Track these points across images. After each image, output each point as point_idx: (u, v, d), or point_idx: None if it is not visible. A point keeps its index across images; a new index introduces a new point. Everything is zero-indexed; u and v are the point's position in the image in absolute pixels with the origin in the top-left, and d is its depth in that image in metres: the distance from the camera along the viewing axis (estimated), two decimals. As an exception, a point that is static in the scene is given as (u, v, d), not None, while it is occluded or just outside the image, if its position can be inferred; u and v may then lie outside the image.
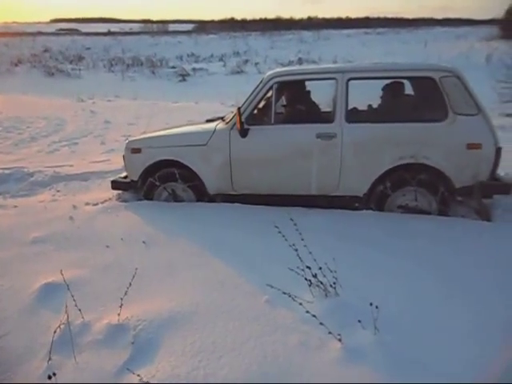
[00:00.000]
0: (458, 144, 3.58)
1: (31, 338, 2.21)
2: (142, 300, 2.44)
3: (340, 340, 1.96)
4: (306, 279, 2.30)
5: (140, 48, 33.73)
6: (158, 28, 56.66)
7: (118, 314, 2.22)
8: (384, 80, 4.07)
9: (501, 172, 4.02)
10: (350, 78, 3.73)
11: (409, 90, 4.19)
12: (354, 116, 3.82)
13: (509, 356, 1.92)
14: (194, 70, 24.55)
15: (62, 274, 2.40)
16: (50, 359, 2.02)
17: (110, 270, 2.82)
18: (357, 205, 3.88)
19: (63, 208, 4.17)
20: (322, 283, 2.30)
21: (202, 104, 13.46)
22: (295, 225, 2.49)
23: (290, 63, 25.12)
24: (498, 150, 3.58)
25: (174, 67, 25.45)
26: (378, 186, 3.78)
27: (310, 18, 71.38)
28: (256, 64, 26.11)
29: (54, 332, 2.11)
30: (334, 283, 2.29)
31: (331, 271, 2.30)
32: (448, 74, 3.63)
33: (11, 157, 6.91)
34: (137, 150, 4.19)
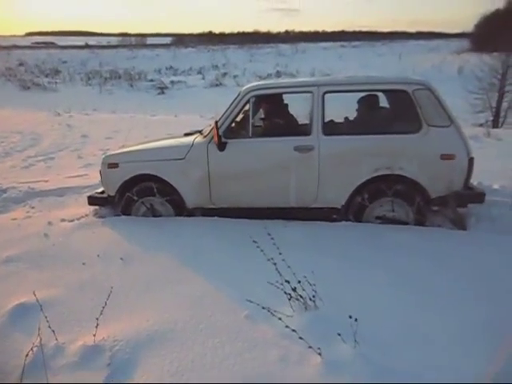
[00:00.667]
0: (432, 155, 3.66)
1: (2, 362, 2.13)
2: (119, 319, 2.38)
3: (320, 354, 1.95)
4: (285, 293, 2.29)
5: (118, 61, 33.62)
6: (136, 41, 56.61)
7: (94, 335, 2.16)
8: (359, 93, 4.14)
9: (474, 181, 4.13)
10: (326, 92, 3.79)
11: (383, 102, 4.27)
12: (330, 128, 3.87)
13: (491, 364, 1.94)
14: (172, 82, 24.59)
15: (35, 295, 2.33)
16: (21, 384, 1.95)
17: (86, 289, 2.75)
18: (335, 216, 3.90)
19: (38, 225, 4.06)
20: (301, 297, 2.29)
21: (181, 117, 13.43)
22: (272, 239, 2.49)
23: (269, 76, 25.43)
24: (471, 160, 3.67)
25: (152, 80, 25.44)
26: (356, 197, 3.82)
27: (287, 32, 72.62)
28: (235, 77, 26.36)
29: (26, 355, 2.03)
30: (314, 296, 2.28)
31: (310, 284, 2.30)
32: (421, 86, 3.72)
33: (-17, 173, 6.71)
34: (114, 165, 4.12)
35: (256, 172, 3.87)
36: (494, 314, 2.34)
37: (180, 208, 4.06)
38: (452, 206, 3.71)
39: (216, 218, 3.91)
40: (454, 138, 3.68)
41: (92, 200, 4.33)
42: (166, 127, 10.27)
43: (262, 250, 2.40)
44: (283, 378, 1.89)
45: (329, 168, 3.78)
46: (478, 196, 3.77)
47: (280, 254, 2.40)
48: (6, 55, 35.24)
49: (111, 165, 4.14)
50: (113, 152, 4.52)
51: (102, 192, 4.36)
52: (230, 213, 3.96)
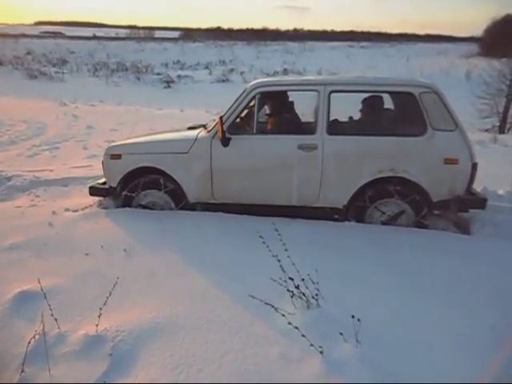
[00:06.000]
0: (436, 159, 3.65)
1: (4, 349, 2.14)
2: (121, 310, 2.38)
3: (321, 352, 1.95)
4: (288, 290, 2.29)
5: (125, 53, 33.62)
6: (144, 34, 56.49)
7: (96, 325, 2.17)
8: (366, 93, 4.12)
9: (480, 186, 4.11)
10: (332, 91, 3.77)
11: (388, 104, 4.25)
12: (335, 128, 3.85)
13: (493, 368, 1.94)
14: (179, 77, 24.57)
15: (40, 283, 2.33)
16: (23, 371, 1.95)
17: (89, 279, 2.76)
18: (336, 216, 3.90)
19: (42, 214, 4.07)
20: (304, 295, 2.29)
21: (186, 111, 13.43)
22: (279, 235, 2.48)
23: (276, 73, 25.37)
24: (474, 166, 3.66)
25: (159, 74, 25.43)
26: (358, 198, 3.81)
27: (295, 30, 72.37)
28: (242, 73, 26.33)
29: (28, 342, 2.04)
30: (317, 295, 2.28)
31: (313, 282, 2.30)
32: (427, 90, 3.70)
33: (-11, 160, 6.73)
34: (117, 156, 4.12)
35: (259, 169, 3.87)
36: (500, 319, 2.34)
37: (181, 201, 4.06)
38: (453, 210, 3.70)
39: (220, 213, 3.91)
40: (459, 142, 3.67)
41: (93, 191, 4.33)
42: (171, 121, 10.27)
43: (267, 246, 2.40)
44: (284, 375, 1.90)
45: (332, 168, 3.77)
46: (479, 201, 3.76)
47: (286, 250, 2.39)
48: (13, 43, 35.29)
49: (114, 156, 4.14)
50: (116, 143, 4.51)
51: (104, 183, 4.36)
52: (231, 208, 3.96)
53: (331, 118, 3.85)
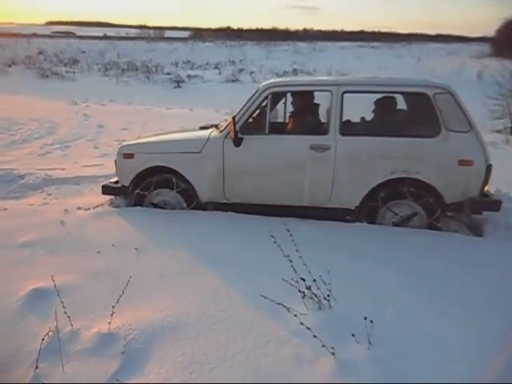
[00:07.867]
0: (450, 160, 3.62)
1: (18, 346, 2.16)
2: (133, 308, 2.40)
3: (333, 353, 1.94)
4: (299, 291, 2.28)
5: (135, 53, 33.76)
6: (154, 34, 56.69)
7: (109, 323, 2.18)
8: (379, 94, 4.10)
9: (493, 187, 4.06)
10: (345, 91, 3.76)
11: (401, 104, 4.21)
12: (347, 129, 3.84)
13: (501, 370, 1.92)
14: (189, 76, 24.58)
15: (53, 280, 2.36)
16: (36, 367, 1.98)
17: (101, 277, 2.78)
18: (348, 217, 3.88)
19: (54, 212, 4.11)
20: (315, 295, 2.29)
21: (196, 111, 13.45)
22: (291, 235, 2.47)
23: (285, 73, 25.30)
24: (489, 167, 3.62)
25: (169, 73, 25.44)
26: (370, 199, 3.79)
27: (305, 30, 72.14)
28: (251, 73, 26.27)
29: (42, 339, 2.06)
30: (328, 296, 2.27)
31: (325, 283, 2.29)
32: (442, 90, 3.67)
33: (1, 158, 6.79)
34: (129, 156, 4.15)
35: (271, 169, 3.87)
36: (510, 321, 2.31)
37: (192, 201, 4.07)
38: (467, 212, 3.66)
39: (231, 213, 3.91)
40: (473, 143, 3.63)
41: (106, 189, 4.36)
42: (181, 121, 10.30)
43: (279, 246, 2.39)
44: (295, 375, 1.89)
45: (344, 168, 3.76)
46: (494, 203, 3.72)
47: (297, 250, 2.39)
48: (26, 43, 35.69)
49: (127, 155, 4.17)
50: (129, 142, 4.54)
51: (116, 182, 4.39)
52: (243, 208, 3.96)
53: (344, 119, 3.84)
